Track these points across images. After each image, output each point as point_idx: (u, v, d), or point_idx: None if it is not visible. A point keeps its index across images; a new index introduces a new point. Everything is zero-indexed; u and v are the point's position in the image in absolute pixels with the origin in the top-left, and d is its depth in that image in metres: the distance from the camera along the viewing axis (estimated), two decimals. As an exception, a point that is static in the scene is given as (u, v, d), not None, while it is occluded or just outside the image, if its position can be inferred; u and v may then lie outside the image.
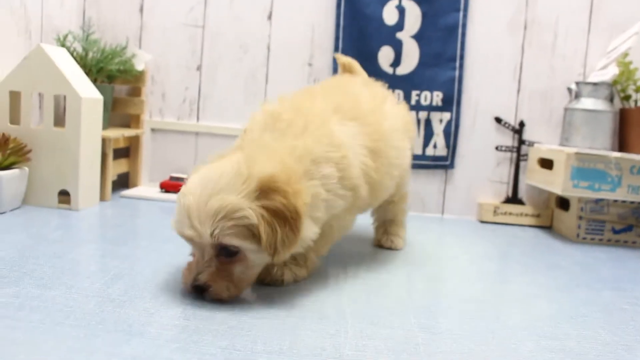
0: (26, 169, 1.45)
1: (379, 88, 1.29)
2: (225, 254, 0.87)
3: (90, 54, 1.73)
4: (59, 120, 1.59)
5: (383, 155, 1.10)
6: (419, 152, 1.84)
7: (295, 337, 0.79)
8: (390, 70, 1.82)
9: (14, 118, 1.49)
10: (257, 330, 0.80)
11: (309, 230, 0.92)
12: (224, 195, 0.83)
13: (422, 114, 1.83)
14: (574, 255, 1.46)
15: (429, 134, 1.84)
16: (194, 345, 0.73)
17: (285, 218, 0.85)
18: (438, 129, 1.83)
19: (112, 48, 1.77)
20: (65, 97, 1.46)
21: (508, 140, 1.84)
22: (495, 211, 1.80)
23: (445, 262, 1.32)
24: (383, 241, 1.38)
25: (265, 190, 0.85)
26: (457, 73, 1.81)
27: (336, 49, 1.82)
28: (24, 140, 1.44)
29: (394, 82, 1.81)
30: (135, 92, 1.89)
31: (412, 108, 1.81)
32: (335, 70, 1.81)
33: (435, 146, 1.84)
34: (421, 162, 1.83)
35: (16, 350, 0.67)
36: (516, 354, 0.79)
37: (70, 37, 1.72)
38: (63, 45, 1.69)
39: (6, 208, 1.38)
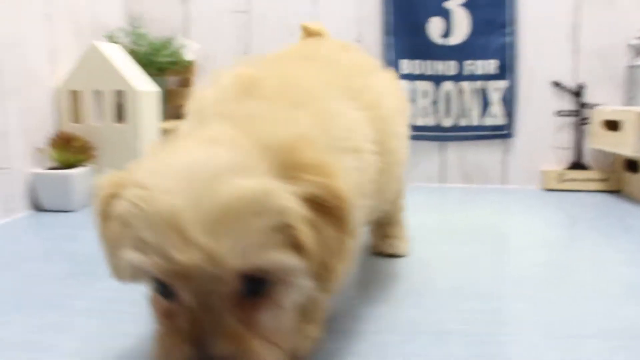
0: (93, 166, 1.47)
1: (361, 53, 0.99)
2: (248, 291, 0.49)
3: (140, 48, 1.74)
4: (118, 116, 1.60)
5: (386, 150, 0.78)
6: (475, 122, 1.80)
7: None
8: (441, 42, 1.78)
9: (76, 117, 1.51)
10: None
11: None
12: (236, 179, 0.47)
13: (477, 84, 1.78)
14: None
15: (485, 104, 1.79)
16: None
17: (329, 211, 0.51)
18: (494, 98, 1.79)
19: (160, 40, 1.77)
20: (122, 92, 1.48)
21: (568, 104, 1.78)
22: (559, 178, 1.75)
23: (511, 232, 1.29)
24: (383, 247, 1.08)
25: (291, 167, 0.50)
26: (510, 39, 1.76)
27: (384, 24, 1.78)
28: (86, 138, 1.47)
29: (445, 53, 1.77)
30: (186, 83, 1.89)
31: (466, 78, 1.78)
32: (385, 47, 1.78)
33: (492, 116, 1.79)
34: (479, 133, 1.79)
35: (127, 342, 0.68)
36: (594, 318, 0.77)
37: (119, 34, 1.73)
38: (113, 41, 1.70)
39: (77, 206, 1.40)
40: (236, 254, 0.45)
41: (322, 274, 0.51)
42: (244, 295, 0.48)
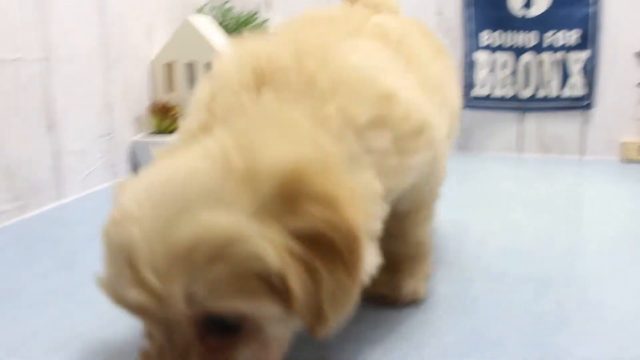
0: (187, 133, 1.57)
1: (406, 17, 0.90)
2: (220, 329, 0.45)
3: (226, 23, 1.83)
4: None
5: (432, 81, 0.72)
6: (555, 93, 1.80)
7: None
8: (521, 13, 1.78)
9: (169, 88, 1.61)
10: None
11: (369, 261, 0.51)
12: (204, 213, 0.42)
13: (558, 55, 1.78)
14: None
15: (565, 75, 1.79)
16: None
17: (335, 251, 0.44)
18: (575, 69, 1.78)
19: (245, 15, 1.85)
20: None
21: (651, 75, 1.76)
22: (640, 149, 1.74)
23: (587, 202, 1.31)
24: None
25: (289, 198, 0.44)
26: (594, 9, 1.74)
27: (464, -4, 1.80)
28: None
29: (526, 24, 1.77)
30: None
31: (546, 49, 1.77)
32: (465, 19, 1.80)
33: (572, 87, 1.79)
34: (558, 104, 1.79)
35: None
36: None
37: (207, 9, 1.82)
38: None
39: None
40: (187, 299, 0.41)
41: (311, 320, 0.45)
42: (215, 334, 0.45)
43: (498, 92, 1.82)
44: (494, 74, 1.81)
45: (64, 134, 1.29)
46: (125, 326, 0.67)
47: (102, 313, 0.69)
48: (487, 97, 1.81)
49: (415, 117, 0.60)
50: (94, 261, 0.50)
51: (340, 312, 0.46)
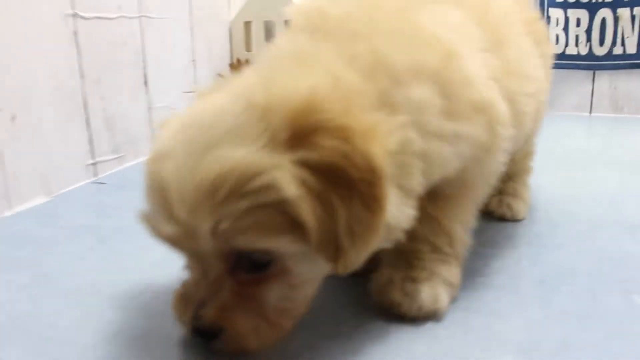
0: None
1: None
2: (248, 267, 0.47)
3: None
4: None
5: (512, 65, 0.64)
6: (633, 51, 1.76)
7: None
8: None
9: (248, 46, 1.68)
10: None
11: (399, 210, 0.48)
12: (227, 150, 0.43)
13: (636, 10, 1.74)
14: None
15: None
16: None
17: (349, 181, 0.43)
18: (653, 25, 1.74)
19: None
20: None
21: None
22: None
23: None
24: (496, 207, 0.90)
25: (301, 130, 0.43)
26: None
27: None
28: (260, 65, 1.63)
29: (603, -21, 1.74)
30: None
31: (625, 4, 1.73)
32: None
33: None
34: (634, 62, 1.76)
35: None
36: None
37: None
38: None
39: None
40: (213, 233, 0.42)
41: (330, 255, 0.44)
42: (243, 271, 0.46)
43: (571, 50, 1.80)
44: (567, 30, 1.79)
45: (155, 89, 1.37)
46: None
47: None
48: (561, 55, 1.80)
49: (477, 89, 0.55)
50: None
51: (361, 248, 0.45)
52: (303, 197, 0.41)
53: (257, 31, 1.65)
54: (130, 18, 1.26)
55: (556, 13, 1.78)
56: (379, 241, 0.46)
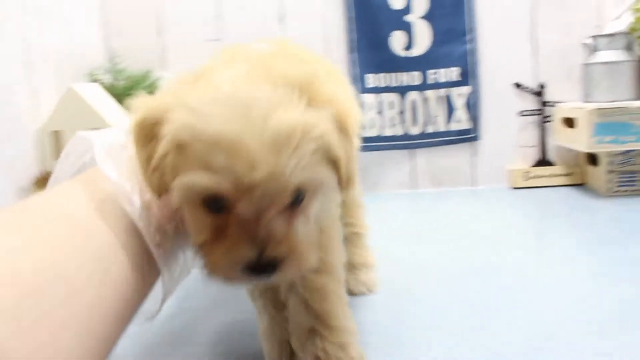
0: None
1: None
2: (292, 203, 0.57)
3: (119, 83, 1.85)
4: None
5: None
6: (442, 128, 1.87)
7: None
8: (404, 54, 1.86)
9: (57, 156, 1.62)
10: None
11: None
12: (286, 112, 0.54)
13: (441, 91, 1.86)
14: (606, 210, 1.48)
15: (450, 110, 1.87)
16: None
17: (347, 130, 0.60)
18: (459, 103, 1.86)
19: (139, 73, 1.88)
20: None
21: (531, 104, 1.86)
22: (525, 176, 1.83)
23: (479, 229, 1.37)
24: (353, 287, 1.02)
25: (313, 98, 0.58)
26: (471, 46, 1.84)
27: (349, 42, 1.87)
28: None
29: (409, 64, 1.85)
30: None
31: (430, 87, 1.85)
32: (350, 63, 1.87)
33: (458, 121, 1.87)
34: (446, 138, 1.87)
35: None
36: (542, 314, 0.86)
37: (99, 70, 1.84)
38: (94, 79, 1.81)
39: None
40: (293, 171, 0.53)
41: (346, 179, 0.61)
42: (288, 206, 0.56)
43: (388, 132, 1.88)
44: (382, 114, 1.88)
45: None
46: None
47: None
48: (378, 138, 1.88)
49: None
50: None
51: (355, 174, 0.63)
52: (336, 140, 0.57)
53: (67, 142, 1.60)
54: None
55: (370, 98, 1.86)
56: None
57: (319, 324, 0.70)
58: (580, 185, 1.81)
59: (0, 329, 0.38)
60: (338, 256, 0.73)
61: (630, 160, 1.63)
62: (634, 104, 1.56)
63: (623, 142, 1.56)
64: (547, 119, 1.85)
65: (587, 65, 1.74)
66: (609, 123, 1.56)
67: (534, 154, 1.87)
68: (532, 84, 1.85)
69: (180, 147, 0.53)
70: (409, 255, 1.21)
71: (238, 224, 0.54)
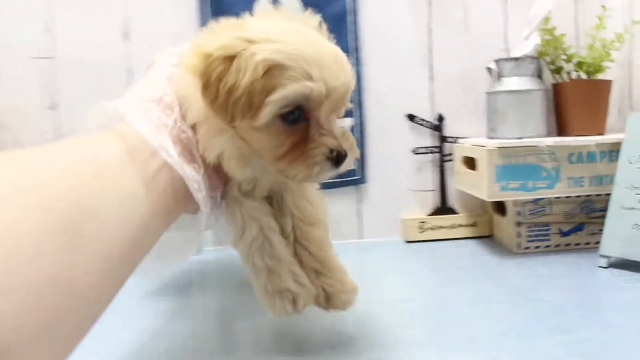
0: None
1: None
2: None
3: None
4: None
5: None
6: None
7: None
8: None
9: None
10: None
11: None
12: (332, 44, 0.68)
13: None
14: (510, 274, 1.16)
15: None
16: None
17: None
18: (342, 138, 1.53)
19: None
20: None
21: (427, 139, 1.55)
22: (421, 227, 1.50)
23: (368, 289, 1.02)
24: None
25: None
26: (355, 69, 1.51)
27: (207, 61, 1.52)
28: None
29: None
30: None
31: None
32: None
33: (340, 159, 1.53)
34: (328, 182, 1.53)
35: None
36: None
37: None
38: None
39: None
40: (351, 83, 0.67)
41: None
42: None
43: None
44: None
45: None
46: None
47: None
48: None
49: None
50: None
51: None
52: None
53: None
54: None
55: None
56: None
57: (320, 267, 0.79)
58: (487, 236, 1.51)
59: (46, 258, 0.42)
60: (324, 210, 0.83)
61: (541, 210, 1.34)
62: (544, 141, 1.27)
63: (533, 189, 1.26)
64: (447, 157, 1.54)
65: (490, 94, 1.44)
66: (515, 165, 1.25)
67: (432, 200, 1.55)
68: (429, 116, 1.54)
69: (272, 69, 0.59)
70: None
71: (316, 127, 0.65)
